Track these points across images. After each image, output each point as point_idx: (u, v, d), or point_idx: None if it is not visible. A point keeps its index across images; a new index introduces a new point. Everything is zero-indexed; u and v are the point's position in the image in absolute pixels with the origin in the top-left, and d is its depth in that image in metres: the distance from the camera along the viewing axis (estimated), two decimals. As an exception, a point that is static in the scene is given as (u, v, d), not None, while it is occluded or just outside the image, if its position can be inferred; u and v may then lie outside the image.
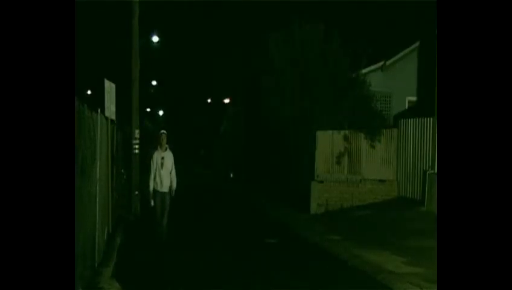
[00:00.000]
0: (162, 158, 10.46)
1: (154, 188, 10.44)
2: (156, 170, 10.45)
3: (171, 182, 10.56)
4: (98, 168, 8.03)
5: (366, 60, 17.33)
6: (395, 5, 20.40)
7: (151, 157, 10.55)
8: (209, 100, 45.96)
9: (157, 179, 10.44)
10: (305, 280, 8.26)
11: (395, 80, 19.17)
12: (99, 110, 8.49)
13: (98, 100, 10.57)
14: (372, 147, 16.28)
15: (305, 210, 15.88)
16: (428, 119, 14.58)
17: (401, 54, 19.67)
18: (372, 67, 18.98)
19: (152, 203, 10.43)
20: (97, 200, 8.01)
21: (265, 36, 18.34)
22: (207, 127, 43.56)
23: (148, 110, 56.25)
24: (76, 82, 3.95)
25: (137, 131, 15.69)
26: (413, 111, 17.72)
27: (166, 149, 10.55)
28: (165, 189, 10.48)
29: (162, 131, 10.75)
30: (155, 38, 22.34)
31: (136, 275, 8.25)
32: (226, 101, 37.66)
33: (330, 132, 16.41)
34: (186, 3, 37.17)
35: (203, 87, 44.88)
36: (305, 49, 17.36)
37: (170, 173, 10.52)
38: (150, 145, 12.98)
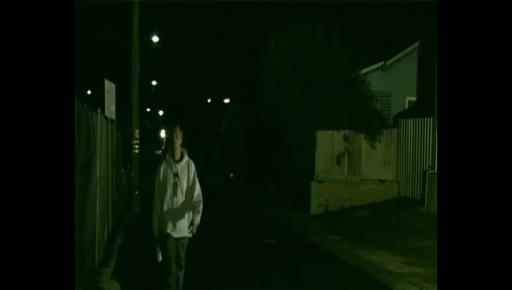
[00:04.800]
0: (176, 175, 5.94)
1: (162, 230, 5.99)
2: (165, 196, 5.95)
3: (193, 212, 5.96)
4: (98, 168, 8.03)
5: (366, 60, 17.34)
6: (395, 5, 20.41)
7: (156, 171, 6.09)
8: (209, 100, 45.97)
9: (168, 213, 5.93)
10: (305, 280, 8.26)
11: (395, 80, 19.17)
12: (99, 110, 8.49)
13: (98, 100, 10.56)
14: (372, 147, 16.30)
15: (305, 210, 15.87)
16: (428, 119, 14.59)
17: (401, 54, 19.68)
18: (372, 67, 18.99)
19: (159, 257, 6.05)
20: (97, 200, 8.01)
21: (265, 36, 18.35)
22: (207, 127, 43.54)
23: (148, 110, 56.28)
24: (77, 82, 3.95)
25: (137, 131, 15.72)
26: (413, 111, 17.73)
27: (182, 157, 6.03)
28: (183, 232, 5.99)
29: (174, 126, 6.09)
30: (155, 38, 22.36)
31: (136, 275, 8.24)
32: (226, 101, 37.66)
33: (330, 132, 16.41)
34: (186, 3, 37.19)
35: (203, 87, 44.88)
36: (305, 49, 17.36)
37: (192, 199, 5.97)
38: (150, 144, 12.74)
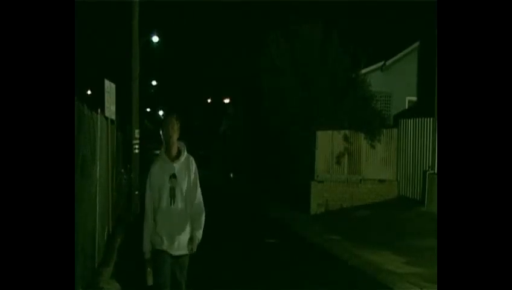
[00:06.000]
0: (173, 177, 4.80)
1: (155, 247, 4.97)
2: (160, 204, 4.86)
3: (192, 226, 4.90)
4: (98, 168, 8.03)
5: (366, 60, 17.34)
6: (395, 5, 20.42)
7: (148, 174, 4.95)
8: (209, 100, 46.00)
9: (163, 225, 4.87)
10: (305, 280, 8.26)
11: (395, 80, 19.18)
12: (99, 110, 8.50)
13: (98, 100, 10.57)
14: (372, 147, 16.30)
15: (305, 210, 15.87)
16: (428, 119, 14.58)
17: (401, 54, 19.68)
18: (372, 67, 18.99)
19: (150, 280, 5.05)
20: (97, 200, 8.01)
21: (265, 36, 18.35)
22: (206, 127, 43.55)
23: (148, 110, 56.24)
24: (77, 82, 3.95)
25: (137, 131, 15.73)
26: (413, 111, 17.73)
27: (179, 154, 4.87)
28: (182, 249, 4.91)
29: (170, 115, 4.95)
30: (155, 38, 22.38)
31: (136, 275, 8.23)
32: (226, 101, 37.67)
33: (330, 132, 16.41)
34: (186, 3, 37.20)
35: (203, 87, 44.90)
36: (305, 49, 17.36)
37: (192, 206, 4.89)
38: (150, 144, 12.76)
